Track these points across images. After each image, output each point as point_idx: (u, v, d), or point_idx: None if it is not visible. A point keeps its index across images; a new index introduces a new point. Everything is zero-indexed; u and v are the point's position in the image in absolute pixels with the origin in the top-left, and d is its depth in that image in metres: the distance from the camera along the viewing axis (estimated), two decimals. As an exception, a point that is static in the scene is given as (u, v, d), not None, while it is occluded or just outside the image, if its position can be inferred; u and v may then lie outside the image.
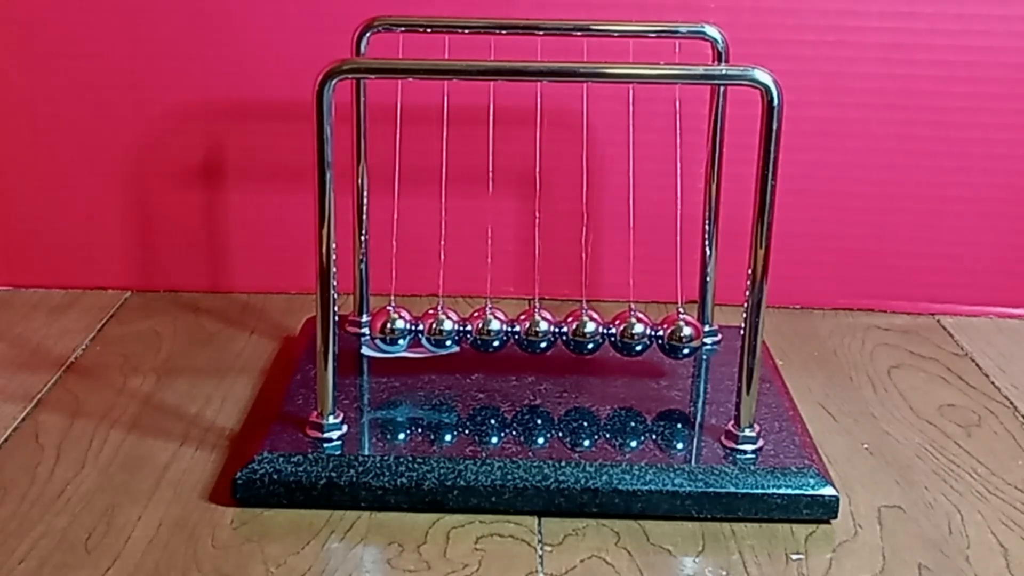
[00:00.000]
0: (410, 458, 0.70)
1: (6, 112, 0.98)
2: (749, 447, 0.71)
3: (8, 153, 0.99)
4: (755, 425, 0.72)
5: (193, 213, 1.00)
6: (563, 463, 0.70)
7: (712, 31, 0.81)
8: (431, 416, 0.75)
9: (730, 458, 0.71)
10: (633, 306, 0.80)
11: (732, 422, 0.72)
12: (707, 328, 0.86)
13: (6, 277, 1.02)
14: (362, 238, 0.85)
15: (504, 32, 0.82)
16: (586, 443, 0.72)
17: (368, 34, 0.81)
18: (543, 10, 0.94)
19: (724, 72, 0.72)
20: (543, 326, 0.79)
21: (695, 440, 0.73)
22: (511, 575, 0.64)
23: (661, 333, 0.79)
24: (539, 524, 0.69)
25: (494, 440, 0.72)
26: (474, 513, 0.69)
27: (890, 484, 0.74)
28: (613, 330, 0.79)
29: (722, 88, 0.82)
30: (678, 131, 0.85)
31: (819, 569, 0.66)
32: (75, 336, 0.93)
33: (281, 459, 0.70)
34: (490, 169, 0.84)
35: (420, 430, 0.73)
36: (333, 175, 0.68)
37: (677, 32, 0.82)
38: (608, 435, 0.73)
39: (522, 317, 0.79)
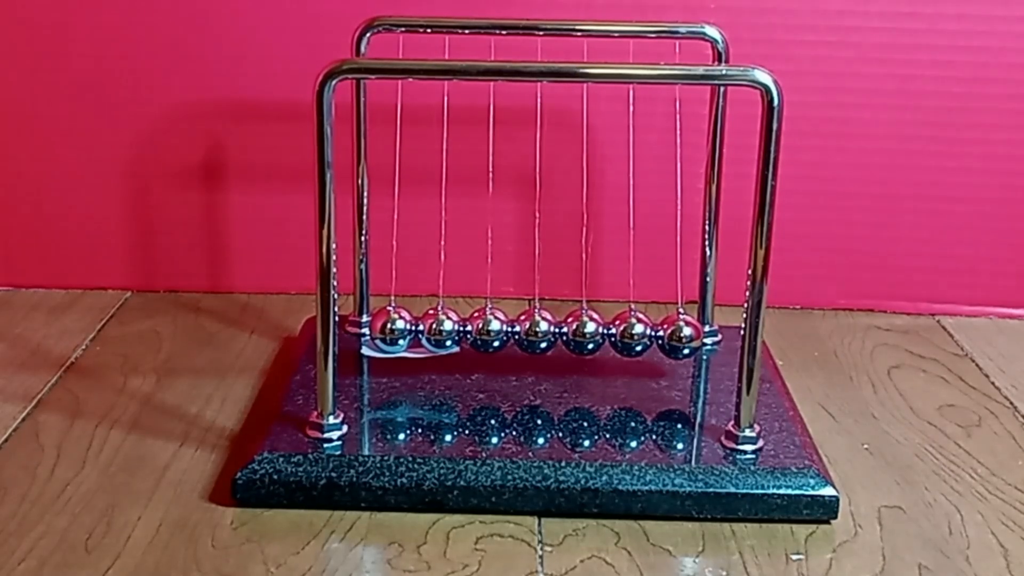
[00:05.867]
0: (410, 458, 0.70)
1: (6, 112, 0.98)
2: (749, 447, 0.71)
3: (8, 153, 0.99)
4: (755, 425, 0.72)
5: (193, 213, 1.00)
6: (563, 463, 0.70)
7: (712, 31, 0.81)
8: (431, 416, 0.75)
9: (730, 458, 0.71)
10: (633, 306, 0.80)
11: (732, 422, 0.72)
12: (707, 328, 0.86)
13: (6, 277, 1.02)
14: (362, 238, 0.85)
15: (504, 32, 0.82)
16: (586, 443, 0.72)
17: (368, 34, 0.81)
18: (543, 10, 0.94)
19: (724, 72, 0.72)
20: (543, 326, 0.79)
21: (695, 440, 0.73)
22: (511, 575, 0.64)
23: (661, 333, 0.79)
24: (539, 524, 0.69)
25: (494, 440, 0.72)
26: (474, 513, 0.69)
27: (890, 484, 0.74)
28: (613, 330, 0.79)
29: (722, 88, 0.82)
30: (678, 131, 0.85)
31: (819, 569, 0.66)
32: (75, 336, 0.93)
33: (281, 459, 0.70)
34: (490, 169, 0.84)
35: (420, 430, 0.73)
36: (333, 175, 0.68)
37: (677, 32, 0.82)
38: (608, 435, 0.73)
39: (522, 317, 0.79)
